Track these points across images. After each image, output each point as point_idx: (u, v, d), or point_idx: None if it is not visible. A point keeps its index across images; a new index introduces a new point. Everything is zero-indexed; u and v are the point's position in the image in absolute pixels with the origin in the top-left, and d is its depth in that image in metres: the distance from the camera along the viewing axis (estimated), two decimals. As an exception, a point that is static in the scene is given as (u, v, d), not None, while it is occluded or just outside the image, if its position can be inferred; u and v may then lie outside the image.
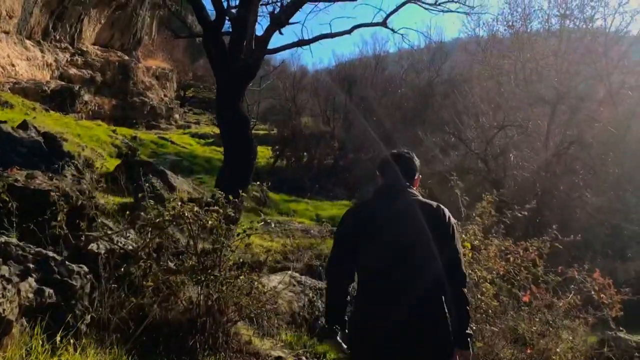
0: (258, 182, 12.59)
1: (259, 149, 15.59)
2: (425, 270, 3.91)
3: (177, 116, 45.58)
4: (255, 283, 6.19)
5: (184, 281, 6.01)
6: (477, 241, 8.99)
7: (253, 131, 17.79)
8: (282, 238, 16.49)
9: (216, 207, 6.24)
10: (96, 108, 34.75)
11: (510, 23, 27.96)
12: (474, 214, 9.08)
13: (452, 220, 4.18)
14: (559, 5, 26.78)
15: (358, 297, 4.11)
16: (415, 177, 4.39)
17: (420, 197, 4.22)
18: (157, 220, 6.00)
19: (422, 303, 3.85)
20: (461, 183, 9.66)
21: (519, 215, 9.07)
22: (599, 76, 23.50)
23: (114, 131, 29.05)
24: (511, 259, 8.91)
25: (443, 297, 3.93)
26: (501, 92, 24.74)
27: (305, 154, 37.54)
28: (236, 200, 8.87)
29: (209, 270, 5.97)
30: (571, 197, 19.00)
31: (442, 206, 4.20)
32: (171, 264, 6.21)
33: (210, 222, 6.08)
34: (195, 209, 6.07)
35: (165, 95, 44.41)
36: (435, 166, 22.86)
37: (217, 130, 34.46)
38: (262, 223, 18.71)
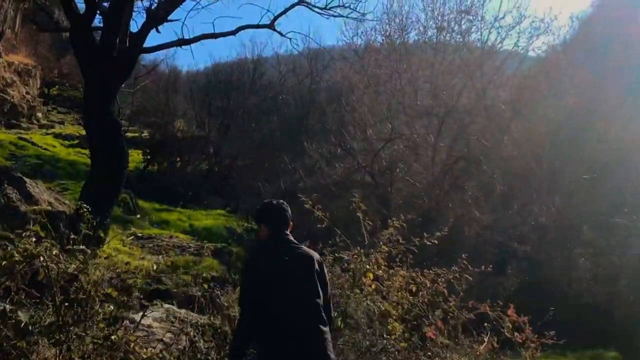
0: (128, 190, 11.18)
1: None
2: (316, 311, 4.83)
3: (40, 115, 42.62)
4: (132, 344, 4.89)
5: (37, 340, 4.63)
6: (380, 271, 8.11)
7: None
8: (154, 255, 15.02)
9: (82, 247, 4.90)
10: (-51, 105, 31.67)
11: (388, 33, 27.71)
12: (380, 242, 8.17)
13: (325, 267, 5.26)
14: (435, 18, 26.81)
15: (266, 338, 4.74)
16: (290, 224, 5.26)
17: (303, 247, 5.17)
18: (4, 263, 4.60)
19: (316, 340, 4.72)
20: (364, 206, 8.65)
21: (428, 243, 8.20)
22: (474, 89, 23.51)
23: (-32, 131, 26.51)
24: (414, 289, 8.10)
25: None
26: (388, 103, 24.33)
27: (178, 159, 35.79)
28: (105, 217, 7.59)
29: (72, 327, 4.64)
30: (460, 214, 18.65)
31: (318, 256, 5.22)
32: (22, 316, 4.81)
33: (73, 266, 4.75)
34: (55, 251, 4.70)
35: (27, 93, 41.31)
36: (321, 179, 22.04)
37: (83, 131, 32.20)
38: (132, 237, 17.27)
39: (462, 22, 25.88)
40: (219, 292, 10.07)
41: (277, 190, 24.05)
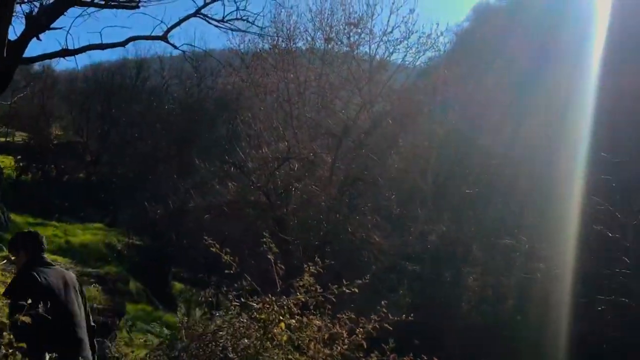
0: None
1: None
2: (83, 320, 5.76)
3: None
4: None
5: None
6: (293, 320, 7.41)
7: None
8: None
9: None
10: None
11: (275, 42, 27.10)
12: (295, 291, 7.46)
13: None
14: (323, 29, 26.44)
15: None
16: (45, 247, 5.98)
17: (62, 269, 6.03)
18: None
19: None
20: (274, 247, 7.90)
21: (348, 291, 7.56)
22: (363, 102, 23.34)
23: None
24: (326, 336, 7.47)
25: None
26: (276, 113, 23.70)
27: (53, 167, 33.77)
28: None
29: None
30: (358, 238, 18.22)
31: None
32: None
33: None
34: None
35: None
36: (213, 198, 21.05)
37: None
38: (5, 262, 15.76)
39: (351, 35, 25.62)
40: (108, 343, 9.08)
41: (166, 208, 22.89)
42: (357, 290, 7.56)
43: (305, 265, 7.74)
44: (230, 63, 33.24)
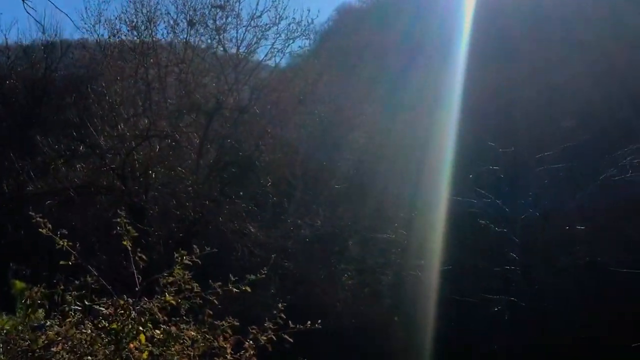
0: None
1: None
2: None
3: None
4: None
5: None
6: (158, 330, 5.51)
7: None
8: None
9: None
10: None
11: (134, 24, 25.29)
12: (161, 291, 5.52)
13: None
14: (186, 12, 25.10)
15: None
16: None
17: None
18: None
19: None
20: (132, 229, 5.91)
21: (236, 290, 5.70)
22: (229, 90, 22.72)
23: None
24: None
25: None
26: (147, 96, 22.01)
27: None
28: None
29: None
30: (230, 229, 16.60)
31: None
32: None
33: None
34: None
35: None
36: (57, 181, 18.70)
37: None
38: None
39: (217, 18, 24.57)
40: None
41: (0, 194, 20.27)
42: (249, 290, 5.76)
43: (176, 256, 5.82)
44: (83, 44, 31.29)
